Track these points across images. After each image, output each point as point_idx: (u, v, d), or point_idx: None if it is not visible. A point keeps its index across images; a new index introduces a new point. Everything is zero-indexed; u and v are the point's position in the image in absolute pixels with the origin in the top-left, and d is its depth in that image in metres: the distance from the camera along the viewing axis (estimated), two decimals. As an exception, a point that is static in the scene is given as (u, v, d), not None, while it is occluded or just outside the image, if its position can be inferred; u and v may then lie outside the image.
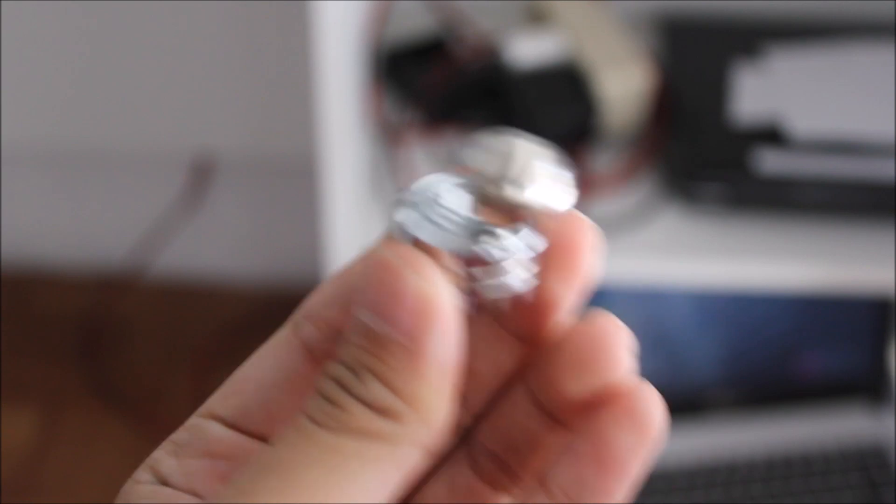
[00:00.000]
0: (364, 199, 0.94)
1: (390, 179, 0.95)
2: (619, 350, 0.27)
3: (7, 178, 1.38)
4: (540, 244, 0.27)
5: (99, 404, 1.32)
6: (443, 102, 0.98)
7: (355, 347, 0.25)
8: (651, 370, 1.09)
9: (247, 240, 1.44)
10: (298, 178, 1.18)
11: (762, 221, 0.94)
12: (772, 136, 0.94)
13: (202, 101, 1.30)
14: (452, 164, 0.27)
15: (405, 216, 0.26)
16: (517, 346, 0.29)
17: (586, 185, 0.95)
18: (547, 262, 0.28)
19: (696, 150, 0.95)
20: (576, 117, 0.97)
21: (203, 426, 0.29)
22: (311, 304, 0.30)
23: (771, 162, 0.92)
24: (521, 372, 0.29)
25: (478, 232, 0.26)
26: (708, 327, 1.09)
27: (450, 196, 0.27)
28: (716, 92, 0.98)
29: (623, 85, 0.96)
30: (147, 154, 1.35)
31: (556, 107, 0.96)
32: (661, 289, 1.07)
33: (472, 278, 0.26)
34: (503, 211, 0.26)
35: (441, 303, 0.25)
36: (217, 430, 0.29)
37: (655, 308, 1.09)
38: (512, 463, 0.29)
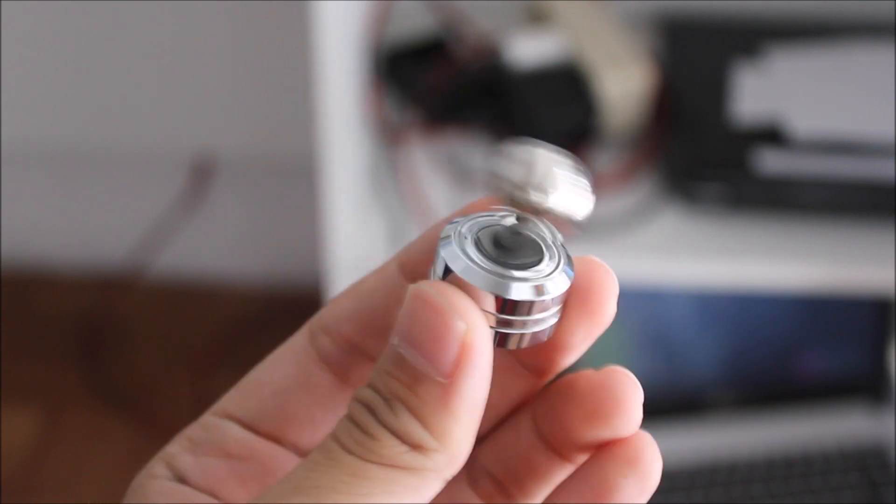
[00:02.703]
0: (364, 199, 0.94)
1: (390, 179, 0.95)
2: (632, 405, 0.29)
3: (7, 178, 1.38)
4: (564, 286, 0.28)
5: (99, 404, 1.32)
6: (443, 102, 0.98)
7: (390, 377, 0.26)
8: (651, 370, 1.09)
9: (247, 240, 1.44)
10: (298, 178, 1.18)
11: (762, 221, 0.94)
12: (772, 136, 0.93)
13: (202, 101, 1.30)
14: (487, 181, 0.29)
15: (449, 252, 0.27)
16: (528, 377, 0.30)
17: (586, 185, 0.95)
18: (569, 306, 0.29)
19: (696, 150, 0.95)
20: (576, 117, 0.96)
21: (220, 425, 0.30)
22: (328, 315, 0.31)
23: (771, 162, 0.92)
24: (528, 402, 0.31)
25: (511, 274, 0.28)
26: (708, 327, 1.09)
27: (491, 235, 0.28)
28: (716, 92, 0.98)
29: (623, 85, 0.96)
30: (147, 154, 1.35)
31: (556, 107, 0.96)
32: (661, 289, 1.07)
33: (502, 320, 0.28)
34: (529, 211, 0.28)
35: (480, 348, 0.26)
36: (234, 430, 0.30)
37: (655, 308, 1.09)
38: (510, 486, 0.31)
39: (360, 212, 0.93)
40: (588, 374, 0.29)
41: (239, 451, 0.30)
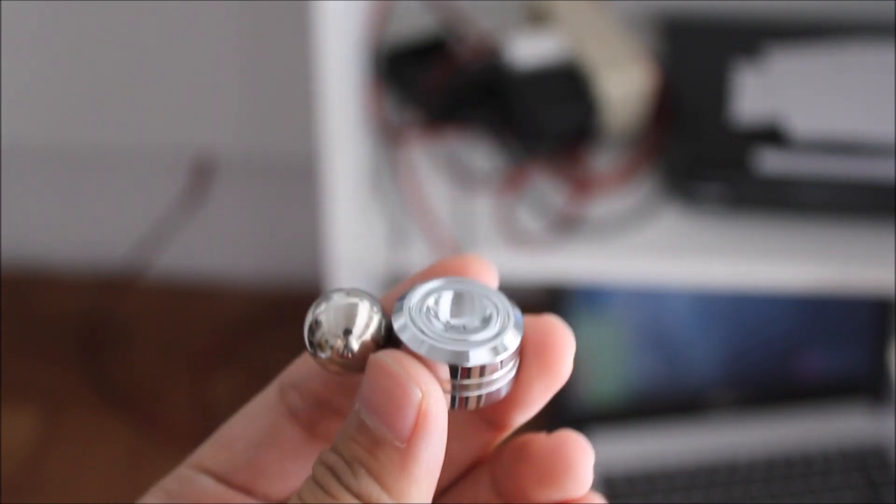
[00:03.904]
0: (364, 199, 0.94)
1: (390, 179, 0.95)
2: (583, 469, 0.30)
3: (7, 178, 1.38)
4: (514, 344, 0.30)
5: (99, 404, 1.32)
6: (443, 102, 0.98)
7: (352, 442, 0.28)
8: (651, 370, 1.09)
9: (247, 240, 1.44)
10: (298, 178, 1.18)
11: (762, 221, 0.94)
12: (772, 136, 0.94)
13: (202, 101, 1.30)
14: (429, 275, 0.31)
15: (401, 325, 0.29)
16: (487, 431, 0.32)
17: (586, 185, 0.95)
18: (526, 363, 0.30)
19: (696, 150, 0.95)
20: (576, 117, 0.97)
21: (193, 478, 0.31)
22: (297, 373, 0.32)
23: (771, 162, 0.92)
24: (486, 456, 0.32)
25: (462, 340, 0.29)
26: (708, 327, 1.10)
27: (438, 303, 0.30)
28: (716, 92, 0.98)
29: (623, 85, 0.96)
30: (147, 154, 1.35)
31: (556, 107, 0.96)
32: (661, 289, 1.07)
33: (458, 384, 0.29)
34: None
35: (436, 414, 0.28)
36: (206, 482, 0.31)
37: (655, 308, 1.09)
38: None
39: (360, 212, 0.93)
40: (541, 438, 0.31)
41: (210, 502, 0.31)
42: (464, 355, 0.29)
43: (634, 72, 0.97)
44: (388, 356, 0.28)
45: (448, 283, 0.30)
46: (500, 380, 0.29)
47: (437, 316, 0.30)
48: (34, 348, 1.37)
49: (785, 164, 0.92)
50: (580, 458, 0.30)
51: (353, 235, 0.90)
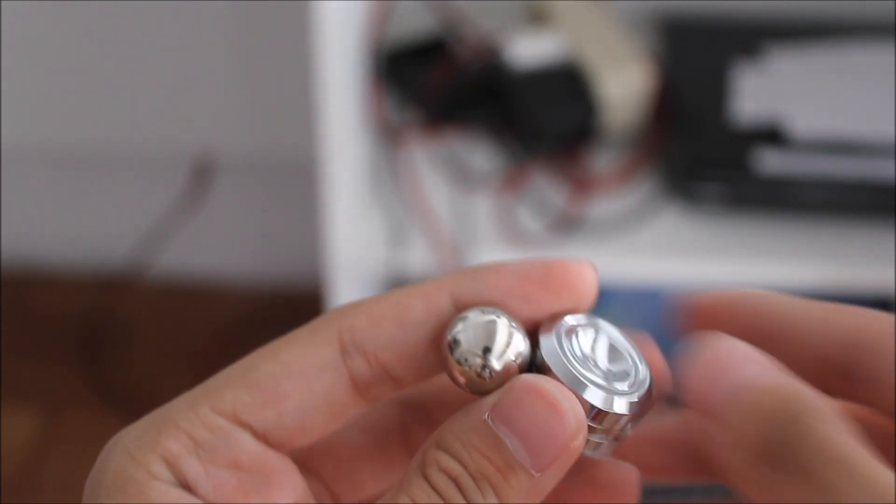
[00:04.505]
0: (364, 200, 0.94)
1: (390, 179, 0.95)
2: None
3: (7, 178, 1.38)
4: (642, 411, 0.29)
5: (99, 404, 1.32)
6: (443, 102, 0.98)
7: (482, 458, 0.27)
8: (651, 370, 1.09)
9: (247, 240, 1.44)
10: (298, 178, 1.18)
11: (762, 221, 0.94)
12: (772, 136, 0.94)
13: (202, 101, 1.30)
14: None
15: (552, 357, 0.28)
16: None
17: (586, 185, 0.95)
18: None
19: (696, 150, 0.95)
20: (576, 117, 0.97)
21: (231, 432, 0.28)
22: (366, 337, 0.29)
23: (771, 162, 0.92)
24: None
25: (612, 387, 0.28)
26: (708, 327, 1.09)
27: (584, 343, 0.29)
28: (716, 92, 0.98)
29: (623, 85, 0.96)
30: (147, 154, 1.35)
31: (556, 107, 0.96)
32: (661, 289, 1.07)
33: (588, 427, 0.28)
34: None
35: (576, 454, 0.27)
36: (246, 440, 0.28)
37: (655, 308, 1.09)
38: None
39: (360, 212, 0.93)
40: (610, 466, 0.30)
41: (249, 462, 0.28)
42: (615, 402, 0.28)
43: (634, 72, 0.97)
44: (546, 382, 0.27)
45: (589, 321, 0.29)
46: (623, 437, 0.28)
47: (583, 354, 0.28)
48: (34, 348, 1.37)
49: (785, 164, 0.92)
50: (637, 493, 0.31)
51: (353, 235, 0.90)
